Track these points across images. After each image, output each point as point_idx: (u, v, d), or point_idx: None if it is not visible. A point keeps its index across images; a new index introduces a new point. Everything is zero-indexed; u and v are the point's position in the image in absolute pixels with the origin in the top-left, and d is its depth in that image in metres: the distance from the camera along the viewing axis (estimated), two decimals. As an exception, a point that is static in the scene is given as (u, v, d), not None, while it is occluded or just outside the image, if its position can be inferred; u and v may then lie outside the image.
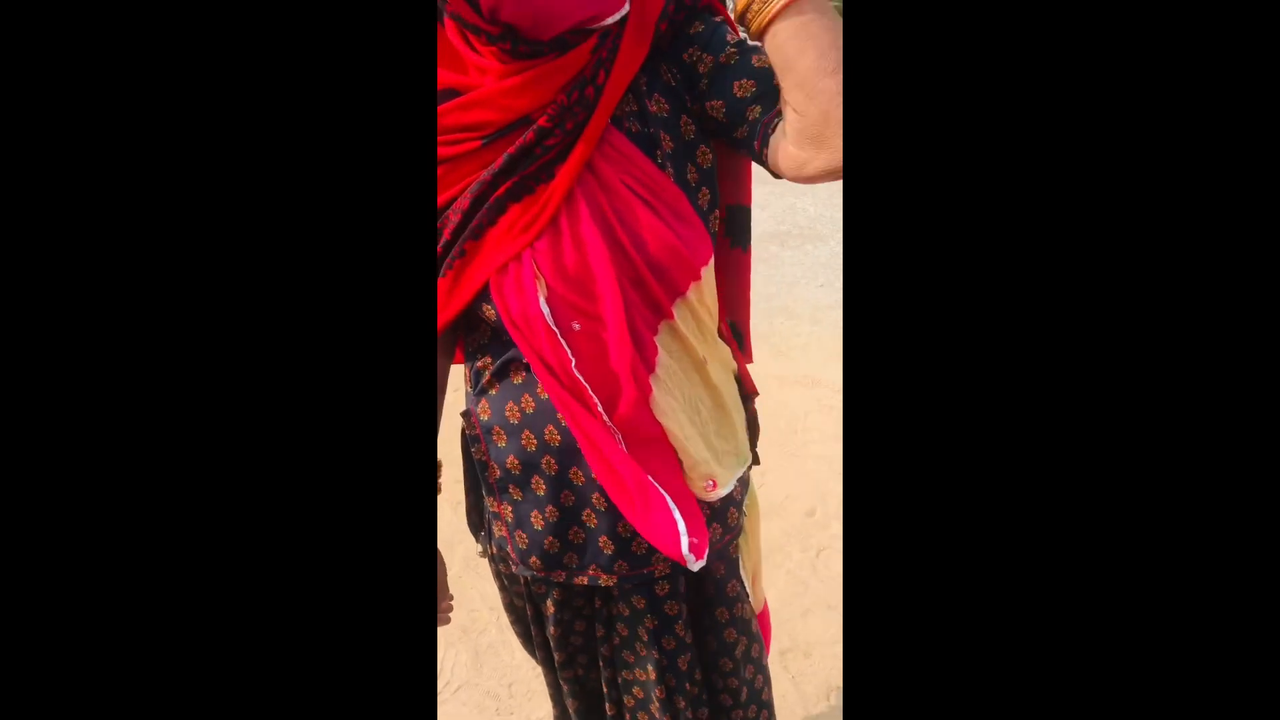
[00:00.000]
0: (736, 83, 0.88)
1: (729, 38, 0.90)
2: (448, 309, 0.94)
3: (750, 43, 0.85)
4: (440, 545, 1.08)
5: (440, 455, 0.98)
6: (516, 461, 1.01)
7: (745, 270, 1.12)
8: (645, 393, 0.94)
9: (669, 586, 1.09)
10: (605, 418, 0.93)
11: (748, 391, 1.13)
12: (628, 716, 1.19)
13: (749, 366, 1.13)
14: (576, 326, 0.91)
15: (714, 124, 0.92)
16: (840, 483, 2.90)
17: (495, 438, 1.01)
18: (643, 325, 0.93)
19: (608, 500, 0.99)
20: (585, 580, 1.06)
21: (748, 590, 1.17)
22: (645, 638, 1.10)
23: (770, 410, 2.21)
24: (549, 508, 1.03)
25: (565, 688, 1.23)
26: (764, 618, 1.29)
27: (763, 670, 1.22)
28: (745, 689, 1.18)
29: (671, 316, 0.94)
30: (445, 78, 0.92)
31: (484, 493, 1.08)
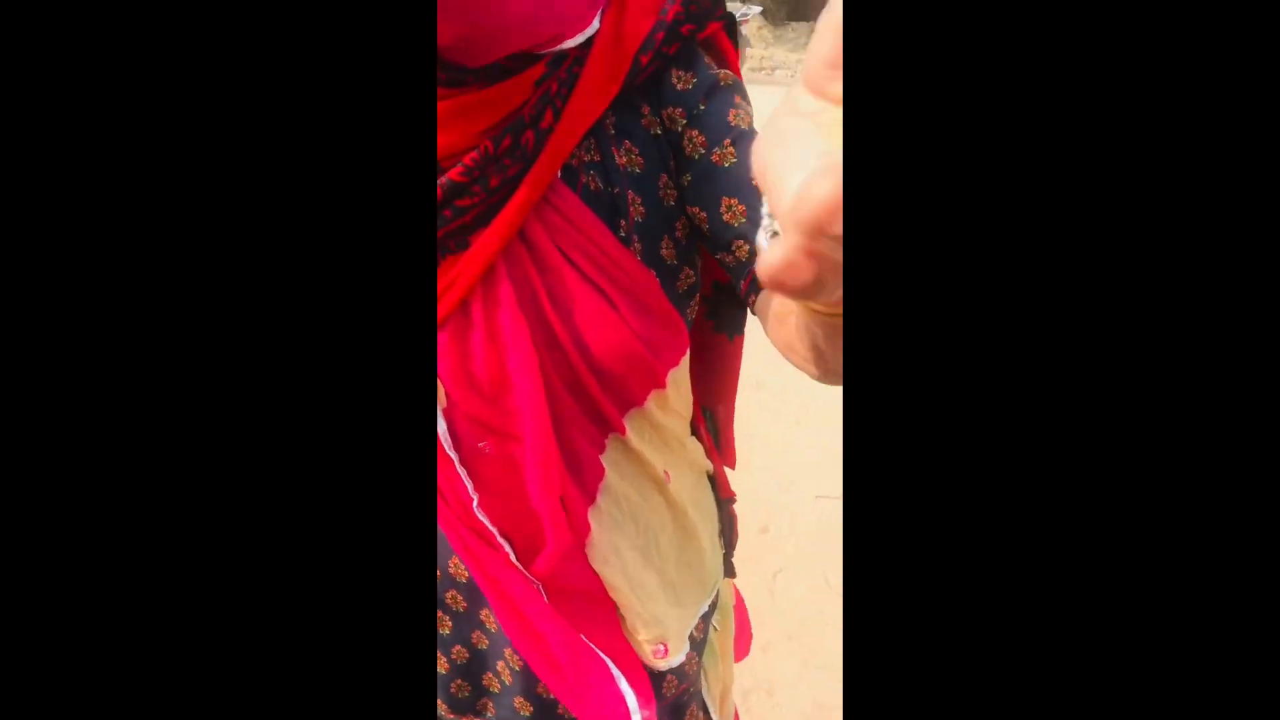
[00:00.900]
0: (725, 199, 0.61)
1: (730, 115, 0.63)
2: None
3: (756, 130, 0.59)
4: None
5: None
6: None
7: (734, 359, 0.84)
8: (580, 535, 0.68)
9: None
10: (521, 568, 0.70)
11: (722, 497, 0.88)
12: None
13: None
14: (484, 447, 0.65)
15: (695, 227, 0.66)
16: (793, 495, 2.74)
17: None
18: (583, 443, 0.67)
19: (523, 660, 0.76)
20: None
21: (714, 715, 0.95)
22: None
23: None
24: (455, 648, 0.79)
25: None
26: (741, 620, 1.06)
27: None
28: None
29: (623, 431, 0.68)
30: None
31: None
